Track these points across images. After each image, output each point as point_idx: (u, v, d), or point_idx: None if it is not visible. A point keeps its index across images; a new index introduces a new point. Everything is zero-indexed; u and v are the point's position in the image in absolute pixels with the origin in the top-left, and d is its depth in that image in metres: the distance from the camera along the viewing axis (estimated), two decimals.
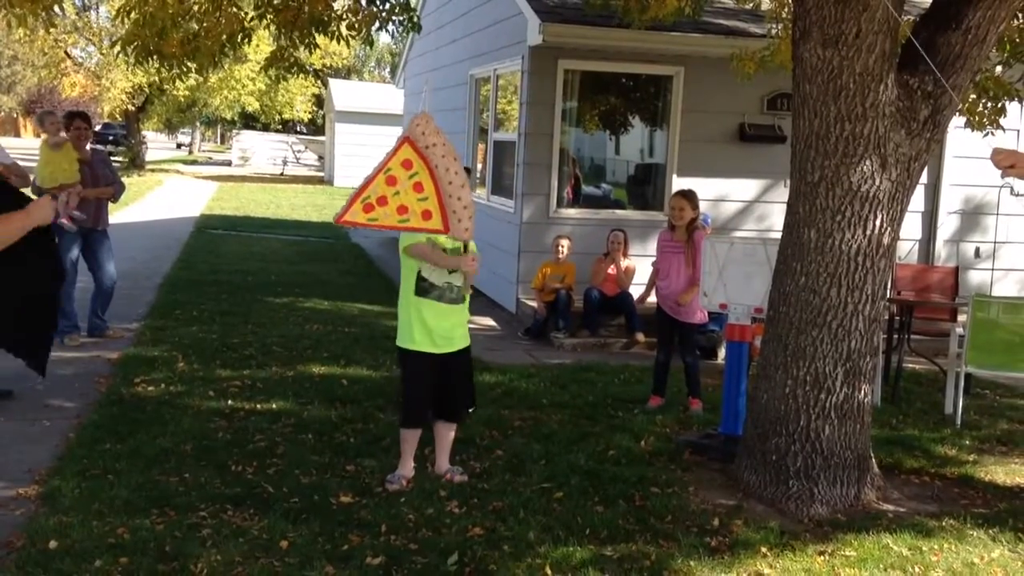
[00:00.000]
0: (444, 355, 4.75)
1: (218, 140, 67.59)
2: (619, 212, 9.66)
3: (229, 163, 40.65)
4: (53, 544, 3.77)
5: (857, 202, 4.60)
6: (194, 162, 42.50)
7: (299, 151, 41.30)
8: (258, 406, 5.95)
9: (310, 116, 41.34)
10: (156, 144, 52.77)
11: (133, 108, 31.74)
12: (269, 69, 7.60)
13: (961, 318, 8.10)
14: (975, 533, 4.43)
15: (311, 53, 7.87)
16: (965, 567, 4.07)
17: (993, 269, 10.38)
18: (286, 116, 37.35)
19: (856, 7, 4.45)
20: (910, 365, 7.60)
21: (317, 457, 5.06)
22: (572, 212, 9.49)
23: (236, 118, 39.63)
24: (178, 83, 9.68)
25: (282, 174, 35.96)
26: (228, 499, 4.41)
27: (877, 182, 4.60)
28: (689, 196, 6.40)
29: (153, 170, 32.49)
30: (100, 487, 4.44)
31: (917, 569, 4.03)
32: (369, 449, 5.21)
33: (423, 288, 4.65)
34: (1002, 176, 4.23)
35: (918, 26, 4.83)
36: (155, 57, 6.53)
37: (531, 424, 5.84)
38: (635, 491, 4.74)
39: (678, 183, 9.46)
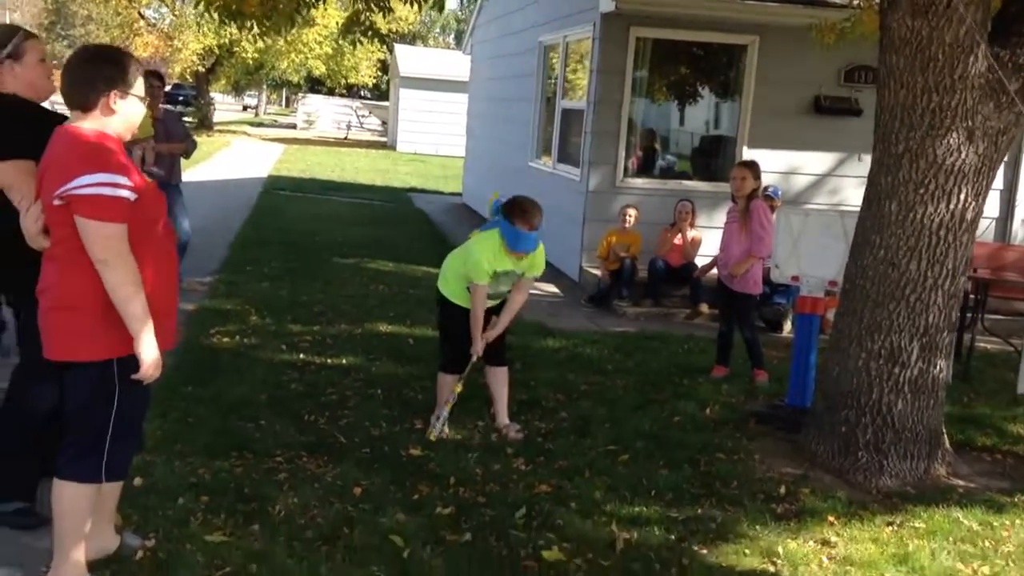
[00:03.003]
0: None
1: (283, 103, 68.34)
2: (687, 183, 9.58)
3: (294, 126, 41.10)
4: (138, 481, 3.92)
5: (942, 175, 4.52)
6: (260, 124, 43.06)
7: (363, 116, 41.59)
8: (328, 361, 6.08)
9: (375, 81, 41.53)
10: (223, 106, 53.52)
11: (203, 70, 32.23)
12: (347, 35, 7.67)
13: None
14: None
15: (385, 16, 7.93)
16: None
17: None
18: (351, 81, 37.56)
19: None
20: (981, 344, 7.45)
21: (387, 411, 5.17)
22: (639, 182, 9.44)
23: (302, 82, 39.99)
24: (246, 45, 9.82)
25: (346, 138, 36.27)
26: (302, 446, 4.54)
27: (963, 155, 4.51)
28: (751, 166, 6.28)
29: (221, 131, 33.02)
30: (181, 430, 4.60)
31: (987, 544, 3.99)
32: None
33: None
34: None
35: None
36: (236, 16, 6.63)
37: (596, 389, 5.87)
38: (700, 457, 4.76)
39: (748, 155, 9.35)
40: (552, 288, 9.49)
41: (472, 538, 3.71)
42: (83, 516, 3.07)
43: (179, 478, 4.04)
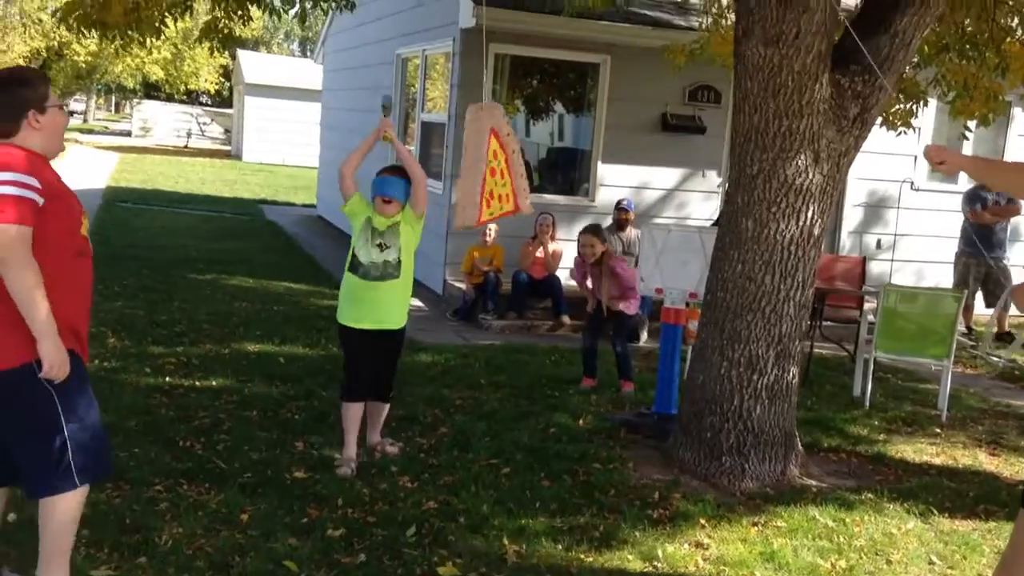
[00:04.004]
0: (372, 332, 4.75)
1: (112, 109, 65.10)
2: (546, 196, 9.82)
3: (129, 133, 39.29)
4: (12, 517, 3.73)
5: (792, 194, 4.89)
6: (90, 131, 40.86)
7: (204, 123, 40.24)
8: (197, 383, 5.93)
9: (216, 88, 40.27)
10: None
11: None
12: (204, 40, 7.51)
13: (867, 306, 8.60)
14: (891, 506, 4.78)
15: (245, 25, 7.80)
16: (885, 537, 4.41)
17: (892, 260, 11.00)
18: (191, 87, 36.25)
19: (797, 8, 4.71)
20: (817, 350, 8.01)
21: (265, 434, 5.10)
22: None
23: (138, 87, 38.28)
24: (78, 48, 9.40)
25: (186, 146, 34.99)
26: (181, 473, 4.43)
27: (810, 176, 4.89)
28: (597, 232, 6.62)
29: None
30: None
31: (842, 539, 4.34)
32: (316, 427, 5.27)
33: (352, 264, 4.74)
34: (932, 170, 4.59)
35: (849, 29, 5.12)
36: (98, 27, 6.38)
37: (472, 403, 5.98)
38: (578, 467, 4.95)
39: (603, 169, 9.74)
40: (417, 302, 9.52)
41: (366, 559, 3.74)
42: (70, 529, 3.09)
43: None
